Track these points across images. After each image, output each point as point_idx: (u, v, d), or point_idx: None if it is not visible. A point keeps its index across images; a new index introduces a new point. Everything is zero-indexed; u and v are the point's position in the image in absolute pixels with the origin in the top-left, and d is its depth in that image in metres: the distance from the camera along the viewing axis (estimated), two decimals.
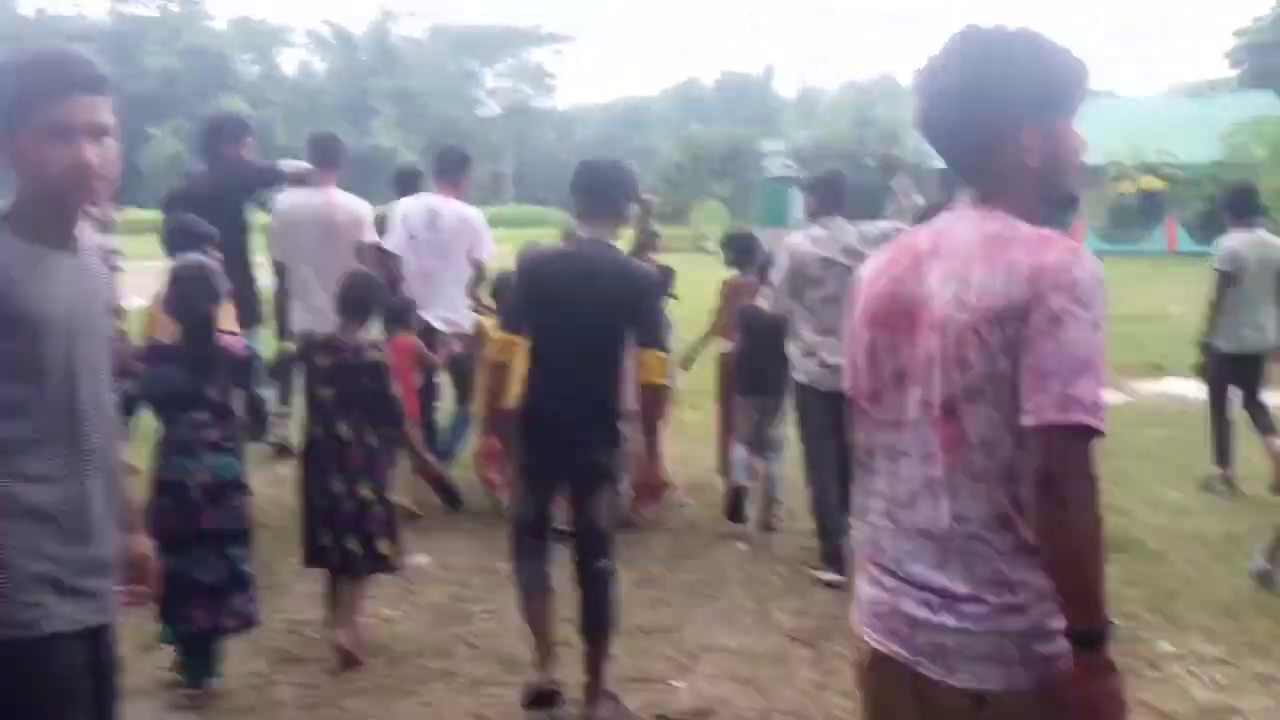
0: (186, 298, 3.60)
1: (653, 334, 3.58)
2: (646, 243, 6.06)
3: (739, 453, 5.63)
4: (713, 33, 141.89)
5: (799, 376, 5.06)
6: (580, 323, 3.49)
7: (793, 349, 5.06)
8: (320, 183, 6.31)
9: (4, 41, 57.28)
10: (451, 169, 6.40)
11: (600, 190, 3.68)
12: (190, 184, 6.57)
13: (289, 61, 70.57)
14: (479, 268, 6.23)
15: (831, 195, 5.15)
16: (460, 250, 6.10)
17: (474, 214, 6.28)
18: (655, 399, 3.67)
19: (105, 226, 5.73)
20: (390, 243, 6.12)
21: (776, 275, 5.08)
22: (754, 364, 5.62)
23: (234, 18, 66.66)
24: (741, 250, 6.41)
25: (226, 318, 3.97)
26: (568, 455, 3.54)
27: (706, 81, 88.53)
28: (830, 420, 4.70)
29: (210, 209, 5.23)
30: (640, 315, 3.52)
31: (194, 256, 3.98)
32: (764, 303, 5.21)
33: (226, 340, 3.70)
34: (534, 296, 3.60)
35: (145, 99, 54.87)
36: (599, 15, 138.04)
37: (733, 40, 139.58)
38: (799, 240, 5.09)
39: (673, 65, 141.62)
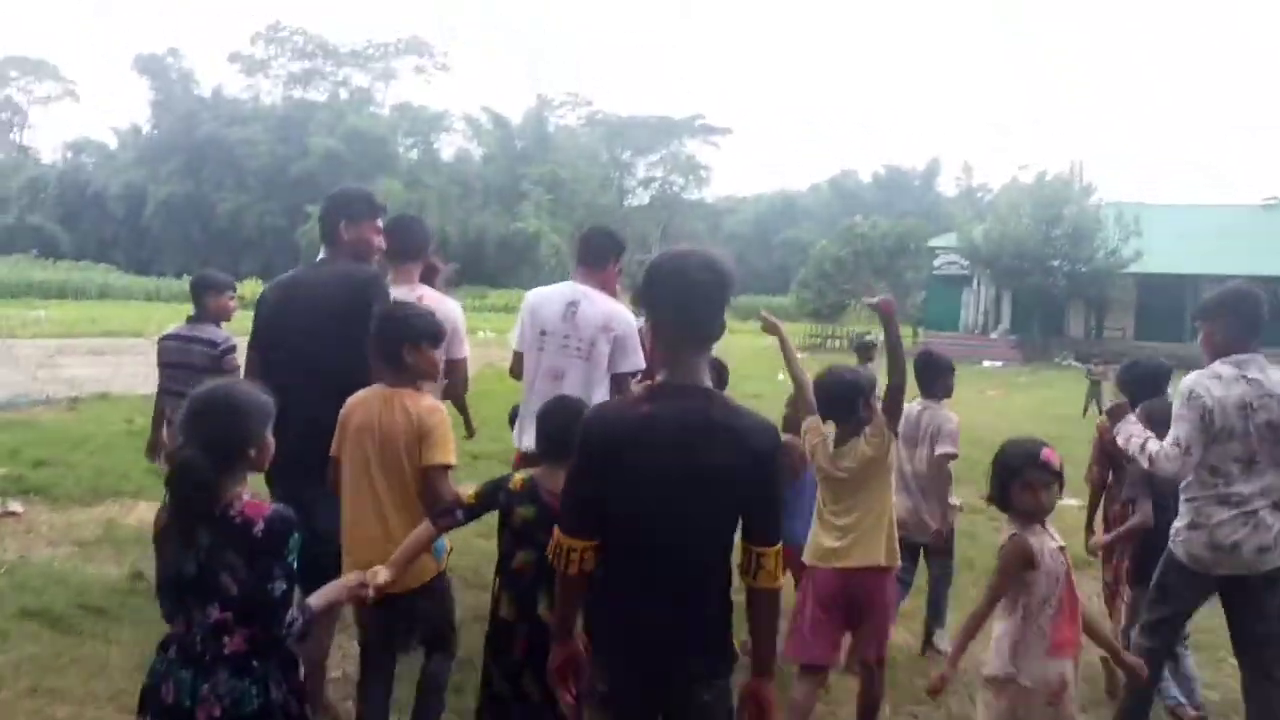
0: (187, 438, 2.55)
1: (771, 526, 2.55)
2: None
3: (1188, 664, 4.60)
4: (871, 125, 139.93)
5: (1176, 551, 4.06)
6: (676, 514, 2.47)
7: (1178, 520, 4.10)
8: (401, 279, 4.65)
9: (181, 121, 60.26)
10: (598, 254, 5.02)
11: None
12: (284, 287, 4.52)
13: (448, 146, 71.86)
14: (620, 385, 4.64)
15: (1246, 324, 4.03)
16: (603, 352, 4.70)
17: (621, 312, 4.82)
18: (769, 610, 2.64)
19: None
20: (514, 337, 4.90)
21: (1183, 426, 3.89)
22: (1160, 542, 4.26)
23: (397, 103, 68.35)
24: (1146, 383, 4.88)
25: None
26: (660, 687, 2.57)
27: (863, 174, 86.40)
28: (1191, 609, 4.11)
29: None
30: (755, 502, 2.52)
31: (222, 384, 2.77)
32: (1168, 462, 3.91)
33: (246, 507, 2.51)
34: (609, 480, 2.51)
35: (307, 179, 56.00)
36: (756, 107, 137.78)
37: (891, 133, 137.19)
38: (1205, 382, 3.94)
39: (827, 158, 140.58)
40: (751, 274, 73.87)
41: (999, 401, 20.21)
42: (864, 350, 9.79)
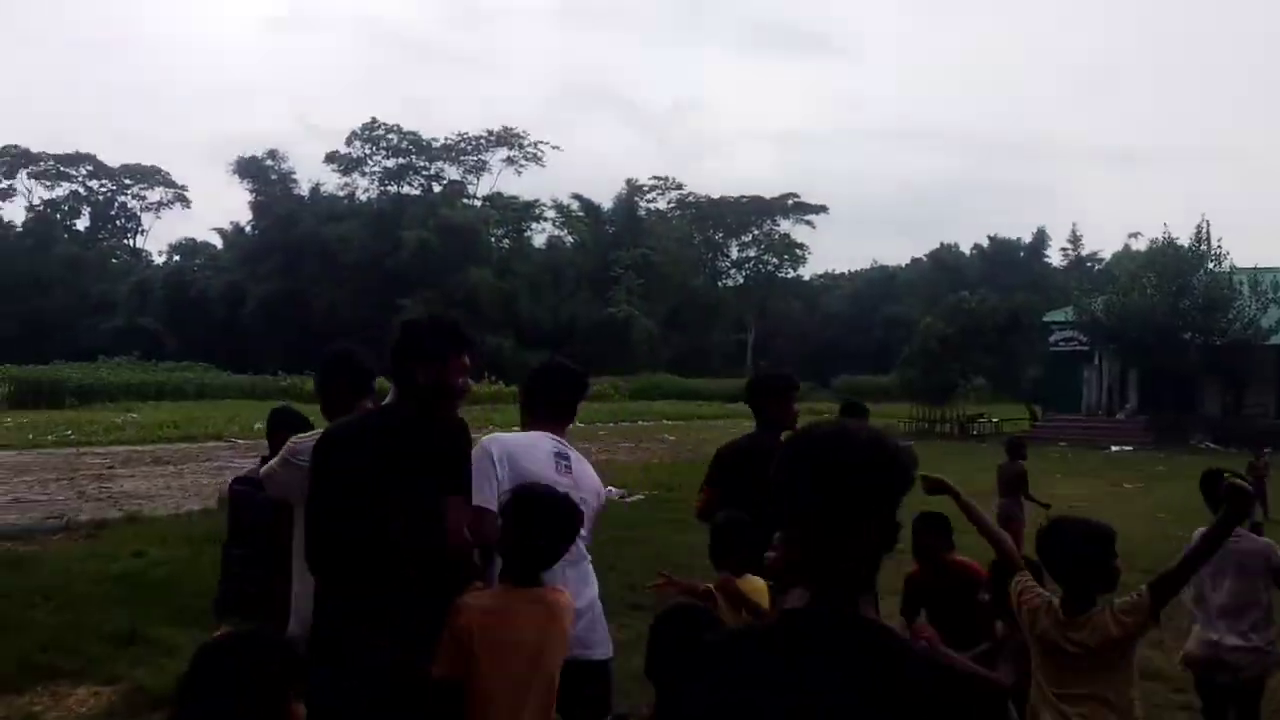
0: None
1: None
2: None
3: None
4: (971, 197, 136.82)
5: None
6: None
7: None
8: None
9: (280, 220, 61.55)
10: (568, 402, 4.20)
11: None
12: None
13: (539, 234, 72.00)
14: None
15: None
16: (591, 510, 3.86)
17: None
18: None
19: None
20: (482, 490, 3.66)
21: None
22: None
23: (488, 194, 68.87)
24: None
25: None
26: None
27: (964, 246, 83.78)
28: None
29: None
30: None
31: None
32: None
33: None
34: None
35: (398, 272, 56.25)
36: (850, 182, 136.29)
37: (993, 203, 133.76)
38: None
39: (926, 231, 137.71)
40: (851, 353, 71.66)
41: (1138, 496, 17.77)
42: (1016, 448, 9.22)
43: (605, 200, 74.27)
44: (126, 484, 16.86)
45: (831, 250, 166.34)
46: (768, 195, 79.70)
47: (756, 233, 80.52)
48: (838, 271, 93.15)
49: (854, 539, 1.58)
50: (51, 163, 76.90)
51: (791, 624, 1.64)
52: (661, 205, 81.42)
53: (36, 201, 76.88)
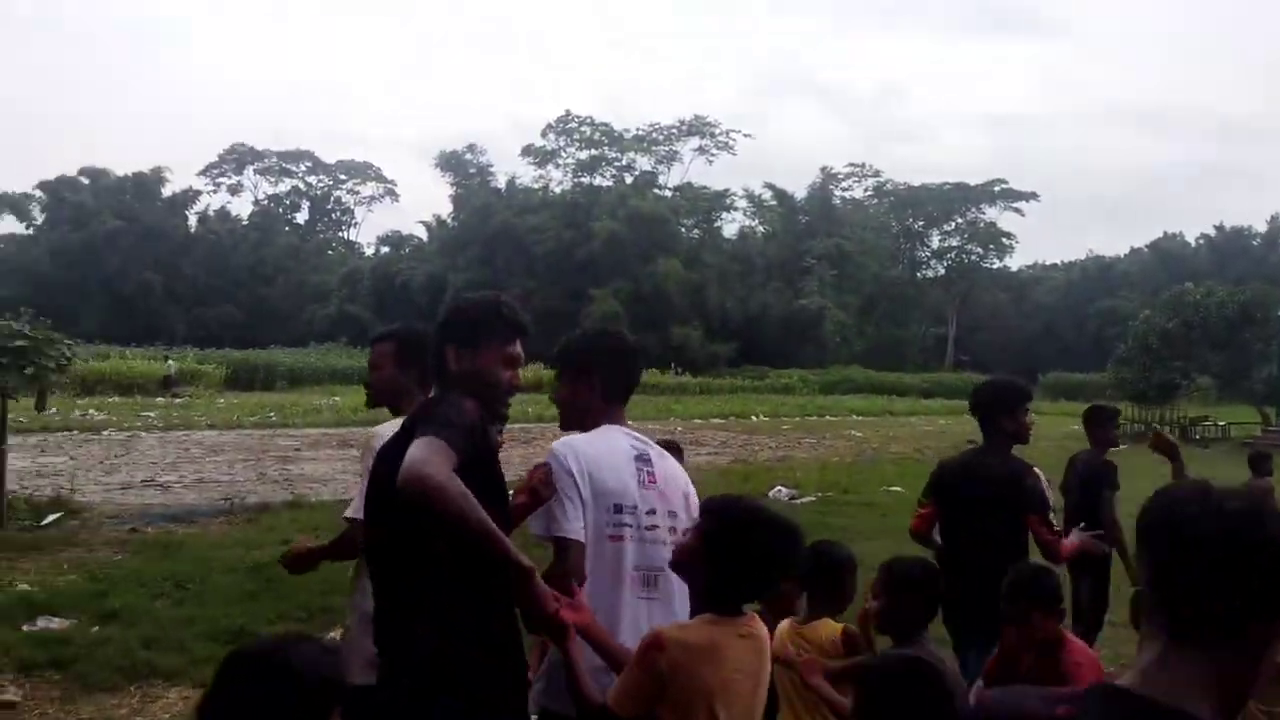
0: None
1: None
2: None
3: None
4: (1194, 185, 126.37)
5: None
6: None
7: None
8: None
9: (478, 212, 63.27)
10: (629, 381, 3.27)
11: None
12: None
13: (729, 224, 71.10)
14: None
15: None
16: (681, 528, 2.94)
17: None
18: None
19: None
20: (565, 518, 2.86)
21: None
22: None
23: (679, 184, 68.50)
24: None
25: None
26: None
27: (1189, 236, 77.23)
28: None
29: None
30: None
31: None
32: None
33: None
34: None
35: (589, 263, 56.70)
36: (1063, 168, 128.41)
37: (1224, 191, 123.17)
38: None
39: (1147, 219, 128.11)
40: (1062, 349, 67.26)
41: None
42: (1260, 462, 8.40)
43: (798, 189, 72.66)
44: (307, 467, 17.22)
45: (1042, 240, 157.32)
46: (973, 182, 75.95)
47: (960, 221, 76.84)
48: (1048, 262, 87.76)
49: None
50: (275, 160, 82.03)
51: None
52: (858, 193, 79.01)
53: (261, 197, 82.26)
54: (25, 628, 6.60)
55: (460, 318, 2.83)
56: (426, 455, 2.31)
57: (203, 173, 78.64)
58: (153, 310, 61.30)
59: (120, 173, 67.49)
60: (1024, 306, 77.78)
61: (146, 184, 67.24)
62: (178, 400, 33.07)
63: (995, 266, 78.16)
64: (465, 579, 2.46)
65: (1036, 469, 4.55)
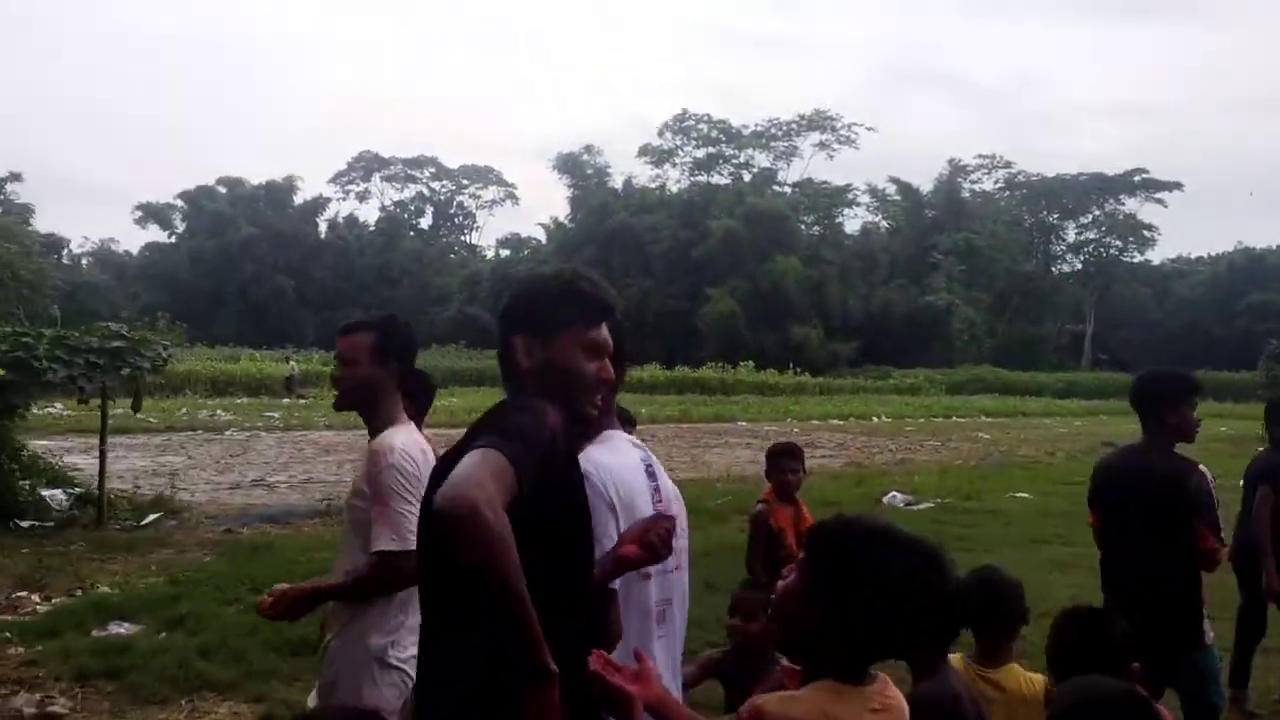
0: None
1: None
2: None
3: None
4: None
5: None
6: None
7: None
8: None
9: (595, 213, 63.42)
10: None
11: None
12: None
13: (851, 220, 69.53)
14: None
15: None
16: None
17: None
18: None
19: None
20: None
21: None
22: None
23: (798, 179, 67.37)
24: None
25: None
26: None
27: None
28: None
29: None
30: None
31: None
32: None
33: None
34: None
35: (705, 261, 56.15)
36: (1209, 160, 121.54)
37: None
38: None
39: None
40: (1209, 346, 63.37)
41: None
42: None
43: (924, 182, 70.56)
44: None
45: (1186, 232, 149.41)
46: (1111, 172, 72.38)
47: (1098, 213, 73.45)
48: (1194, 255, 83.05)
49: None
50: (400, 166, 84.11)
51: None
52: (987, 186, 76.28)
53: (388, 202, 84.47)
54: (96, 633, 6.44)
55: (528, 300, 2.23)
56: (478, 474, 1.73)
57: (332, 180, 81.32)
58: (284, 314, 63.47)
59: (255, 181, 70.24)
60: (1167, 302, 73.77)
61: (279, 192, 69.73)
62: (301, 401, 33.88)
63: (1136, 260, 74.49)
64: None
65: (1203, 467, 4.03)
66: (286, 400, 34.04)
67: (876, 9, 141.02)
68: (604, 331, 2.19)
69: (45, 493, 10.62)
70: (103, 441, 10.28)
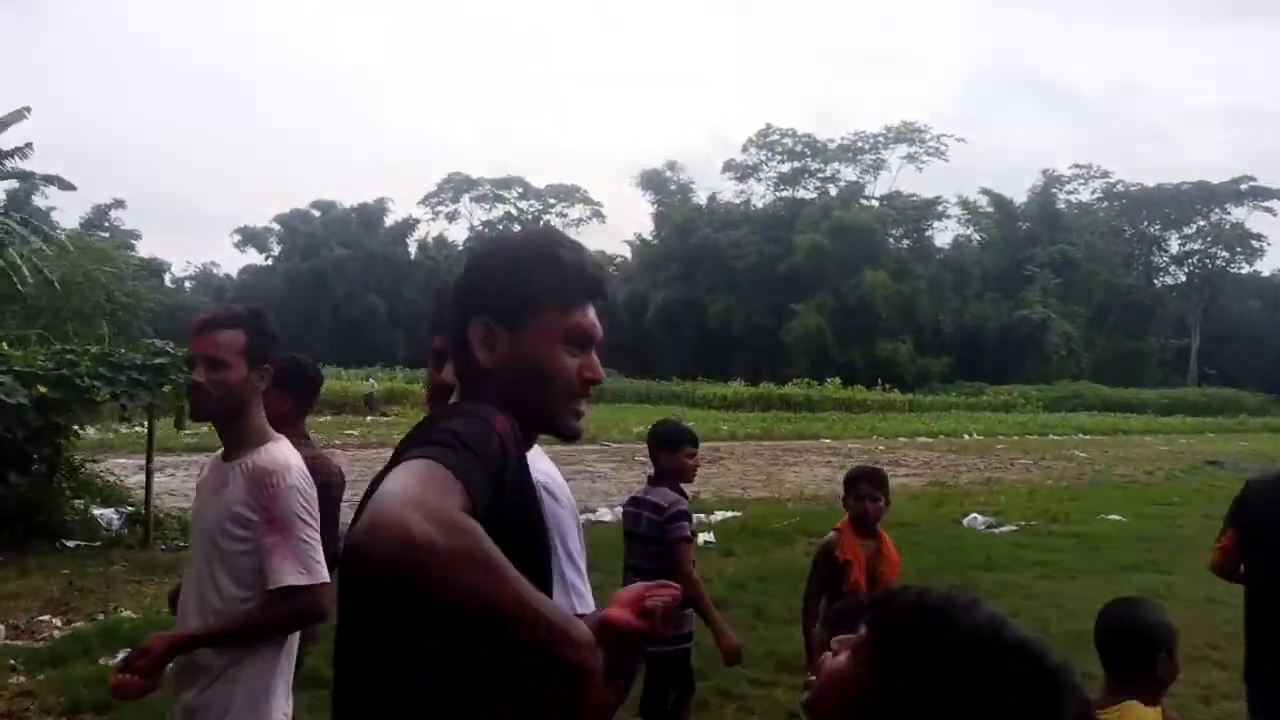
0: None
1: None
2: None
3: None
4: None
5: None
6: None
7: None
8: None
9: (679, 229, 63.08)
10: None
11: None
12: None
13: (941, 233, 67.84)
14: None
15: None
16: None
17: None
18: None
19: None
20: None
21: None
22: None
23: (886, 193, 66.03)
24: None
25: None
26: None
27: None
28: None
29: None
30: None
31: None
32: None
33: None
34: None
35: (790, 276, 55.33)
36: None
37: None
38: None
39: None
40: None
41: None
42: None
43: (1018, 194, 68.51)
44: None
45: None
46: (1215, 180, 69.24)
47: (1202, 223, 70.34)
48: None
49: None
50: (488, 187, 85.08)
51: None
52: (1084, 196, 73.68)
53: (476, 223, 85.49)
54: (103, 660, 6.18)
55: (492, 270, 1.64)
56: (409, 492, 1.22)
57: (422, 202, 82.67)
58: (376, 333, 64.58)
59: (347, 204, 71.79)
60: (1278, 314, 70.15)
61: (371, 214, 71.13)
62: (384, 419, 34.13)
63: (1244, 271, 71.07)
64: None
65: None
66: (370, 418, 34.34)
67: (966, 21, 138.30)
68: (591, 315, 1.64)
69: (97, 512, 10.56)
70: (149, 460, 10.16)
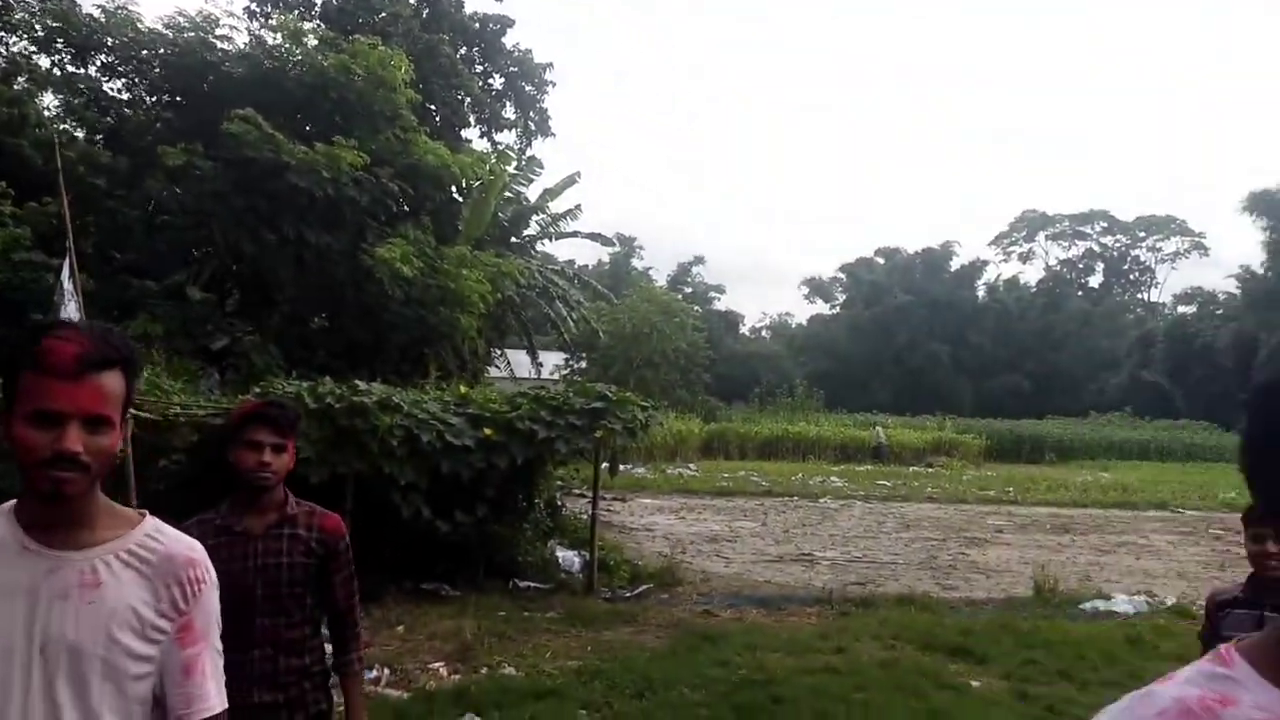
0: None
1: None
2: None
3: None
4: None
5: None
6: None
7: None
8: None
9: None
10: None
11: None
12: None
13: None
14: None
15: None
16: None
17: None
18: None
19: None
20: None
21: None
22: None
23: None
24: None
25: None
26: None
27: None
28: None
29: None
30: None
31: None
32: None
33: None
34: None
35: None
36: None
37: None
38: None
39: None
40: None
41: None
42: None
43: None
44: (992, 553, 14.79)
45: None
46: None
47: None
48: None
49: None
50: (1066, 223, 79.25)
51: None
52: None
53: (1052, 262, 79.97)
54: None
55: None
56: None
57: (993, 243, 79.46)
58: (940, 380, 62.62)
59: (911, 250, 71.13)
60: None
61: (935, 259, 69.63)
62: (930, 470, 32.46)
63: None
64: None
65: None
66: (918, 469, 32.87)
67: None
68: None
69: (561, 554, 10.69)
70: (594, 505, 10.04)
